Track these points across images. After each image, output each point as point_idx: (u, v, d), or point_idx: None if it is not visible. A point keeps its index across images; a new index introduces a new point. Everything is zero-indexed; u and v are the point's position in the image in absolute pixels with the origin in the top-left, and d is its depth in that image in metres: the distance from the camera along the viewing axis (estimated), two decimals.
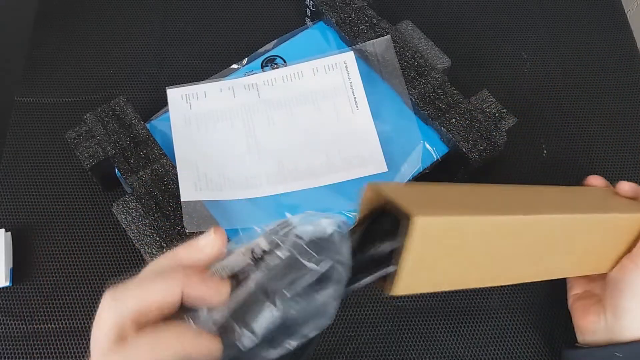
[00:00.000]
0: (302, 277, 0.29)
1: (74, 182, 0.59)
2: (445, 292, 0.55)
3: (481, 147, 0.53)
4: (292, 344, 0.29)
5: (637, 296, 0.44)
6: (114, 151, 0.52)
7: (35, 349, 0.51)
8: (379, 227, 0.34)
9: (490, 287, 0.55)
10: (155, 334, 0.28)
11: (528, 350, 0.53)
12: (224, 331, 0.29)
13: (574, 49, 0.69)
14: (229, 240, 0.31)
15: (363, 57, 0.59)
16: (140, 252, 0.49)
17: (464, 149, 0.53)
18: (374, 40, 0.59)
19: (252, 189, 0.53)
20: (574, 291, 0.50)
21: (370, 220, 0.34)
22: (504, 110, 0.56)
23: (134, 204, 0.50)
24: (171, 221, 0.49)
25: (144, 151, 0.53)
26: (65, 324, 0.52)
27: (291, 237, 0.29)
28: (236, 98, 0.57)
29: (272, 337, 0.29)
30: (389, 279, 0.33)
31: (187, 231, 0.48)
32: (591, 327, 0.47)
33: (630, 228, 0.45)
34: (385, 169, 0.53)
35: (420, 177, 0.55)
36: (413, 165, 0.54)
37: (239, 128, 0.56)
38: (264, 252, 0.30)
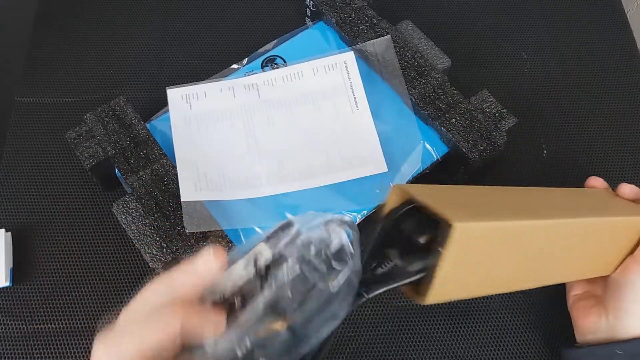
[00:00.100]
0: (314, 297, 0.27)
1: (74, 182, 0.59)
2: None
3: (481, 147, 0.53)
4: (302, 351, 0.29)
5: None
6: (114, 151, 0.52)
7: (35, 349, 0.51)
8: (404, 232, 0.32)
9: None
10: None
11: (528, 350, 0.53)
12: None
13: (574, 49, 0.69)
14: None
15: (363, 57, 0.59)
16: (140, 252, 0.49)
17: (464, 149, 0.53)
18: (374, 40, 0.59)
19: (252, 189, 0.53)
20: (573, 292, 0.50)
21: (392, 223, 0.33)
22: (504, 110, 0.56)
23: (134, 204, 0.50)
24: (171, 221, 0.49)
25: (144, 151, 0.53)
26: (65, 324, 0.52)
27: (297, 246, 0.28)
28: (236, 98, 0.57)
29: (286, 353, 0.28)
30: (416, 286, 0.32)
31: (187, 231, 0.48)
32: (592, 327, 0.47)
33: (632, 231, 0.46)
34: (385, 169, 0.53)
35: (420, 177, 0.55)
36: (413, 165, 0.54)
37: (239, 128, 0.56)
38: (268, 265, 0.28)
